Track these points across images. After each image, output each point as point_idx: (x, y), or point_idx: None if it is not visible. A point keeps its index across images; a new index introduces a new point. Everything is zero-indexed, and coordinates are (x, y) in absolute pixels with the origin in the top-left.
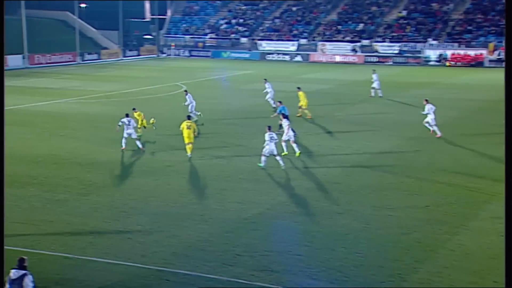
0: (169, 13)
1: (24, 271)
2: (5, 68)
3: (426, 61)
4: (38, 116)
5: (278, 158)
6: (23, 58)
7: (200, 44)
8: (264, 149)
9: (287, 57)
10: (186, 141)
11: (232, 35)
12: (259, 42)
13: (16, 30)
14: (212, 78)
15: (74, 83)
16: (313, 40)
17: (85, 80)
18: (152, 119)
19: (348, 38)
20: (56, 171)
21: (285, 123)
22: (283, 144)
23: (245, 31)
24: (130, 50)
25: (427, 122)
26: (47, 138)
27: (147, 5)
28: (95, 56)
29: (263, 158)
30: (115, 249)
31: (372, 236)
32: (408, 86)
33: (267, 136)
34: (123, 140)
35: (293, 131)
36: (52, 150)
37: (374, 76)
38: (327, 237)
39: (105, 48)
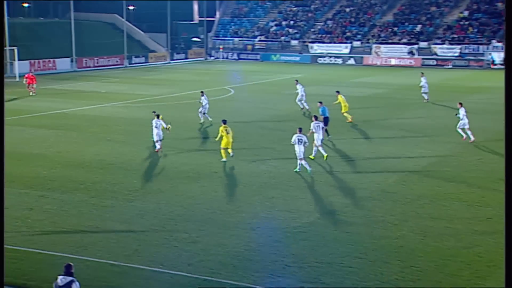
0: (217, 15)
1: (71, 278)
2: (54, 71)
3: (489, 64)
4: (85, 120)
5: (304, 162)
6: (71, 61)
7: (249, 47)
8: (297, 154)
9: (339, 60)
10: (224, 145)
11: (282, 38)
12: (310, 44)
13: (65, 33)
14: (262, 82)
15: (121, 87)
16: (367, 43)
17: (132, 83)
18: (169, 125)
19: (404, 40)
20: (102, 176)
21: (314, 125)
22: (318, 148)
23: (296, 33)
24: (177, 53)
25: (462, 128)
26: (94, 142)
27: (196, 7)
28: (142, 59)
29: (302, 162)
30: (161, 257)
31: (429, 249)
32: (469, 91)
33: (295, 138)
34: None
35: (327, 133)
36: (98, 155)
37: (423, 80)
38: (381, 249)
39: (153, 51)
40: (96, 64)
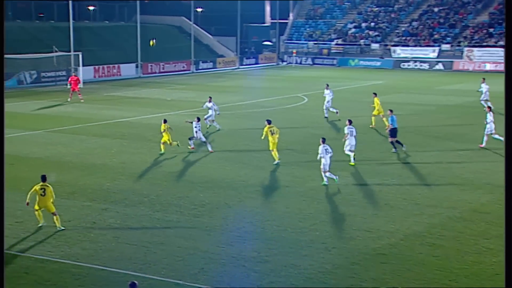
0: (291, 16)
1: None
2: (118, 77)
3: None
4: (150, 129)
5: (328, 174)
6: (136, 67)
7: (325, 51)
8: (322, 166)
9: (425, 65)
10: (272, 147)
11: (362, 41)
12: (392, 48)
13: (130, 37)
14: (339, 89)
15: (188, 94)
16: (458, 46)
17: (199, 90)
18: (175, 142)
19: (501, 43)
20: (167, 190)
21: (347, 130)
22: (346, 151)
23: (377, 35)
24: (247, 58)
25: (493, 134)
26: (159, 153)
27: (268, 8)
28: (210, 64)
29: (327, 174)
30: (228, 277)
31: None
32: None
33: (321, 149)
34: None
35: (401, 144)
36: (163, 166)
37: (483, 86)
38: (473, 276)
39: (221, 56)
40: (161, 70)
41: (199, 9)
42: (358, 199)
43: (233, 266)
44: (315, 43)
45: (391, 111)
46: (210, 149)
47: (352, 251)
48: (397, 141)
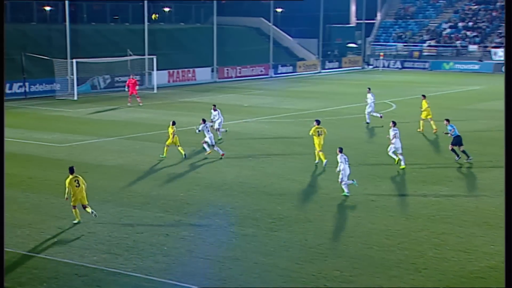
0: (378, 16)
1: None
2: (193, 82)
3: None
4: (226, 137)
5: (350, 181)
6: (212, 71)
7: (416, 54)
8: (340, 176)
9: None
10: (318, 148)
11: (458, 42)
12: (493, 50)
13: (206, 40)
14: (431, 95)
15: (266, 100)
16: None
17: (278, 96)
18: (183, 151)
19: None
20: (243, 201)
21: (392, 132)
22: (390, 153)
23: (475, 36)
24: (330, 62)
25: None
26: (235, 162)
27: (353, 7)
28: (289, 68)
29: (344, 185)
30: None
31: None
32: None
33: (340, 158)
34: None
35: (467, 155)
36: (240, 176)
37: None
38: None
39: (302, 59)
40: (238, 74)
41: (278, 10)
42: (453, 215)
43: (314, 285)
44: (405, 45)
45: (447, 120)
46: (220, 152)
47: (446, 273)
48: (463, 151)
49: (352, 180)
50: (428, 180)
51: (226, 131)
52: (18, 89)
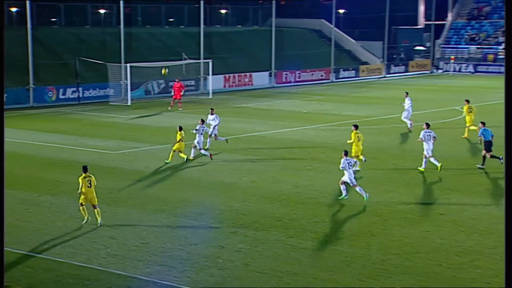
0: (449, 17)
1: None
2: (250, 87)
3: None
4: (284, 145)
5: (358, 189)
6: (270, 75)
7: (490, 57)
8: (343, 177)
9: None
10: (354, 154)
11: None
12: None
13: (264, 43)
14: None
15: (326, 106)
16: None
17: (339, 102)
18: (185, 155)
19: None
20: (302, 212)
21: (425, 133)
22: (431, 159)
23: None
24: (395, 66)
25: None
26: (293, 172)
27: (422, 8)
28: (352, 72)
29: (356, 189)
30: None
31: None
32: None
33: (343, 162)
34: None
35: (498, 159)
36: (298, 186)
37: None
38: None
39: (365, 63)
40: (297, 79)
41: (341, 11)
42: None
43: None
44: (478, 48)
45: (483, 123)
46: (208, 154)
47: None
48: (492, 156)
49: (366, 193)
50: (502, 192)
51: (227, 141)
52: (72, 94)
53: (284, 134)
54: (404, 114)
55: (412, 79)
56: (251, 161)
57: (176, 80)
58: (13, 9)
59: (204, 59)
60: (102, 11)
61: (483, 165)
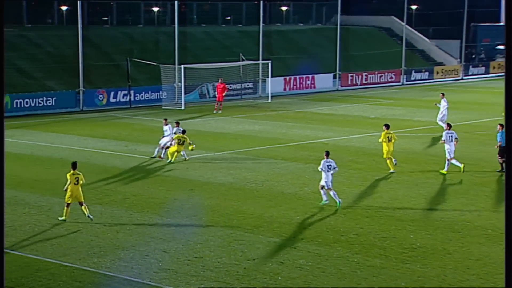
0: None
1: None
2: (312, 90)
3: None
4: (348, 153)
5: (332, 193)
6: (334, 78)
7: None
8: (321, 182)
9: None
10: (386, 155)
11: None
12: None
13: (328, 43)
14: None
15: (396, 111)
16: None
17: (411, 107)
18: (193, 145)
19: None
20: (369, 227)
21: (447, 134)
22: (452, 161)
23: None
24: (474, 67)
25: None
26: (359, 182)
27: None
28: (425, 74)
29: (330, 193)
30: None
31: None
32: None
33: (322, 163)
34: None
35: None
36: (365, 198)
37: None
38: None
39: (440, 64)
40: (364, 82)
41: (413, 6)
42: None
43: None
44: None
45: (501, 126)
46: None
47: None
48: (501, 163)
49: (339, 199)
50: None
51: (185, 159)
52: (123, 97)
53: (349, 141)
54: (439, 116)
55: (493, 82)
56: (313, 170)
57: (219, 81)
58: (63, 8)
59: (263, 60)
60: (155, 9)
61: (503, 169)
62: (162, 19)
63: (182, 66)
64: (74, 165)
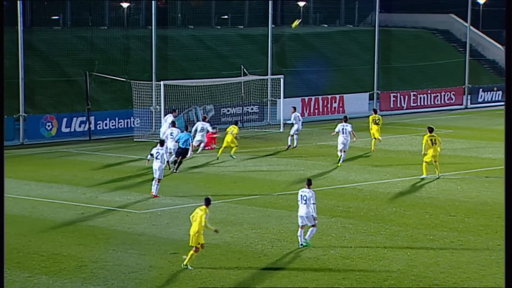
0: None
1: None
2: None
3: None
4: (389, 202)
5: (300, 231)
6: (371, 99)
7: None
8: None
9: None
10: (429, 159)
11: None
12: None
13: (362, 50)
14: None
15: (457, 145)
16: None
17: (478, 139)
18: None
19: None
20: None
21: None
22: None
23: None
24: None
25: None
26: (407, 243)
27: None
28: (498, 94)
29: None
30: None
31: None
32: None
33: (300, 193)
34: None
35: None
36: (413, 266)
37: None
38: None
39: None
40: (412, 104)
41: (481, 1)
42: None
43: None
44: None
45: None
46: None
47: None
48: None
49: (305, 239)
50: None
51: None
52: (79, 126)
53: (392, 185)
54: None
55: None
56: (341, 225)
57: (215, 129)
58: None
59: (272, 74)
60: (125, 4)
61: None
62: (134, 19)
63: (162, 82)
64: (207, 201)
